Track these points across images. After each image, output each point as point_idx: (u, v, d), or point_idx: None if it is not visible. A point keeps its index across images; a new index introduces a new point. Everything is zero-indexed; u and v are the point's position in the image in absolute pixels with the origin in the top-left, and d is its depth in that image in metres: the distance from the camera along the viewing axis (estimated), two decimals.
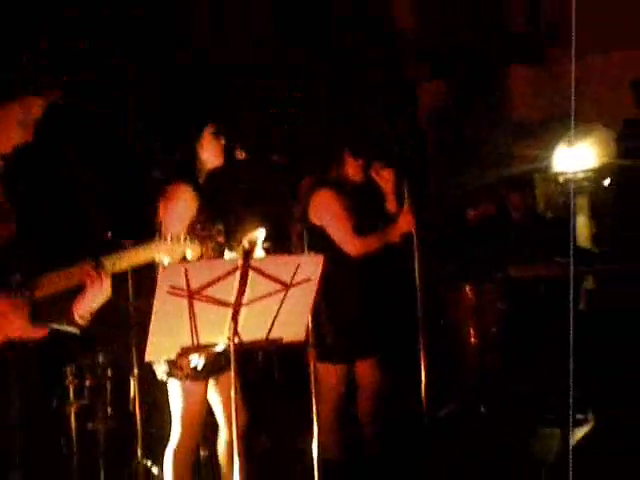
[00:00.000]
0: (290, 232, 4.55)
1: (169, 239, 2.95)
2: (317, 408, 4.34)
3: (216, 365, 3.69)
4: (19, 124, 2.73)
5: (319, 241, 4.32)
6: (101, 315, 4.67)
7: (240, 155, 3.75)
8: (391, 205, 4.62)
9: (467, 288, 5.84)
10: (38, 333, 2.71)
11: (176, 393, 3.76)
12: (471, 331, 5.83)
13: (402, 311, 4.84)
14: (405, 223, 4.48)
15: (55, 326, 2.82)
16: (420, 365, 4.58)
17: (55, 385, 4.73)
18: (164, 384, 3.82)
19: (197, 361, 3.61)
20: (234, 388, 3.17)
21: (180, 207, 3.64)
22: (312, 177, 4.57)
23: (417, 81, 8.53)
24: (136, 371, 4.56)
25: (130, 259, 2.86)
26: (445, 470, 4.49)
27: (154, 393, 4.08)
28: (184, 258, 3.03)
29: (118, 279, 4.33)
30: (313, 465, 3.77)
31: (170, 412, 3.85)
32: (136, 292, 4.51)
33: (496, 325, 5.80)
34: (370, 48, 7.46)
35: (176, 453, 3.78)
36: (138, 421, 4.61)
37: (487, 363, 5.81)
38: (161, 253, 2.91)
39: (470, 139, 8.21)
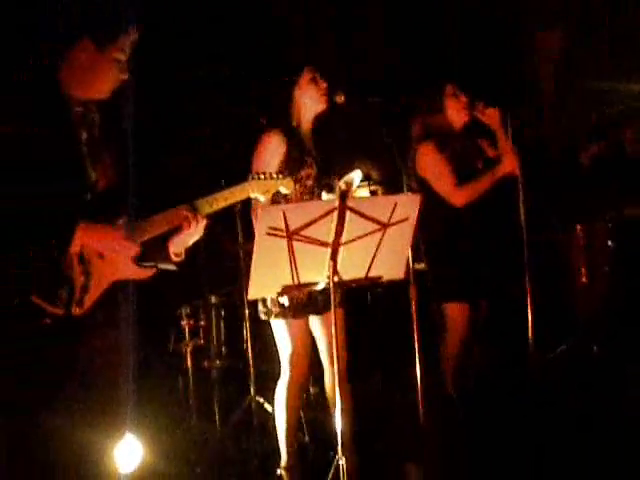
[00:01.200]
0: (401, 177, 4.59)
1: (262, 176, 3.05)
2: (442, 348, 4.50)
3: (314, 303, 3.78)
4: (117, 65, 2.81)
5: (428, 189, 4.41)
6: (213, 258, 4.89)
7: (339, 99, 3.79)
8: (501, 143, 4.56)
9: (578, 228, 5.75)
10: (147, 273, 2.83)
11: (280, 332, 3.88)
12: (583, 271, 5.75)
13: (511, 253, 4.80)
14: (508, 164, 4.44)
15: (155, 265, 2.95)
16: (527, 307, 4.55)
17: (171, 326, 4.96)
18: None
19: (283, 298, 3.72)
20: (334, 326, 3.27)
21: (266, 154, 3.74)
22: (418, 124, 4.58)
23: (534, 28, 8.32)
24: (247, 311, 4.71)
25: (226, 199, 2.95)
26: (550, 408, 4.48)
27: (265, 332, 4.20)
28: (277, 193, 3.13)
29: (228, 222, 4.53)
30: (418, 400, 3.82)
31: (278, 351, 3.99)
32: (246, 235, 4.64)
33: (607, 264, 5.70)
34: None
35: (287, 390, 3.91)
36: (250, 359, 4.78)
37: (599, 303, 5.73)
38: (255, 190, 3.02)
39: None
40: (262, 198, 3.08)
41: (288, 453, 3.94)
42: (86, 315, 2.69)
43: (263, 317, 3.90)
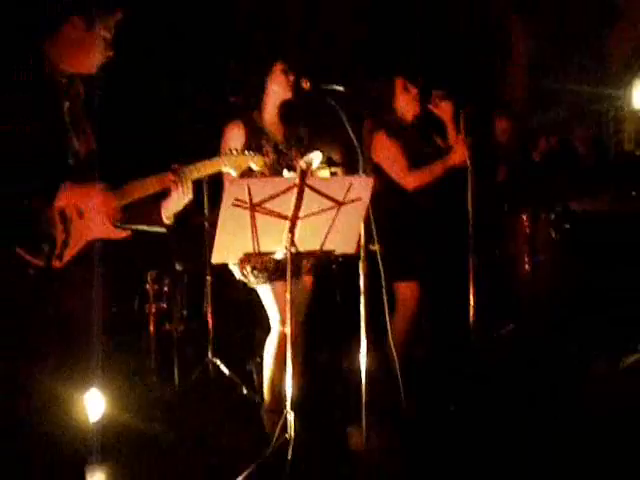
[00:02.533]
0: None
1: (234, 152, 3.37)
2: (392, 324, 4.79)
3: (276, 270, 4.08)
4: (104, 42, 3.05)
5: (382, 174, 4.76)
6: (180, 227, 5.16)
7: (305, 85, 4.09)
8: (451, 135, 4.88)
9: (524, 217, 6.08)
10: (121, 234, 3.09)
11: (264, 295, 4.20)
12: (525, 259, 6.09)
13: (458, 238, 5.08)
14: (459, 154, 4.75)
15: (144, 227, 3.24)
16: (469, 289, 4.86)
17: (137, 288, 5.24)
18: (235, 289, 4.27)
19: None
20: (289, 292, 3.59)
21: (230, 141, 4.09)
22: (371, 118, 4.89)
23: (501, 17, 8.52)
24: (209, 278, 5.02)
25: (199, 170, 3.24)
26: (488, 387, 4.74)
27: (223, 298, 4.49)
28: (249, 169, 3.45)
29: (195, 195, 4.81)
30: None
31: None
32: (211, 207, 4.93)
33: (548, 253, 6.04)
34: None
35: (276, 344, 4.21)
36: (210, 324, 5.09)
37: (539, 290, 6.06)
38: (227, 165, 3.35)
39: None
40: (233, 172, 3.39)
41: (271, 399, 4.26)
42: (64, 268, 2.94)
43: (252, 284, 4.20)
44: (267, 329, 4.53)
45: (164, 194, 3.16)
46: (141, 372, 5.15)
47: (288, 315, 3.64)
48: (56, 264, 2.91)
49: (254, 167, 3.46)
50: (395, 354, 4.60)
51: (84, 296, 3.09)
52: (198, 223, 5.13)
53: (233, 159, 3.37)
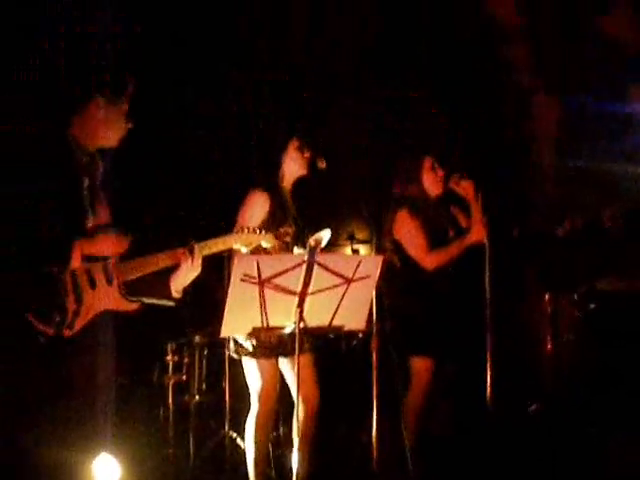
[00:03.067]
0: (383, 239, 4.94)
1: (246, 230, 3.47)
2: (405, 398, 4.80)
3: (283, 346, 4.14)
4: (123, 114, 3.22)
5: (402, 251, 4.82)
6: (199, 299, 5.24)
7: (321, 164, 4.20)
8: (474, 213, 4.92)
9: (546, 297, 6.06)
10: (131, 306, 3.19)
11: (250, 370, 4.26)
12: (548, 338, 6.05)
13: (476, 316, 5.09)
14: (476, 233, 4.80)
15: (152, 301, 3.33)
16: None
17: (157, 359, 5.31)
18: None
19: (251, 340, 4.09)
20: (297, 368, 3.64)
21: (250, 210, 4.20)
22: (397, 188, 4.97)
23: (528, 94, 8.55)
24: (227, 352, 5.06)
25: (215, 246, 3.38)
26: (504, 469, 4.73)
27: (241, 372, 4.52)
28: (259, 246, 3.54)
29: (214, 268, 4.90)
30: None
31: None
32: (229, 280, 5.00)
33: (572, 333, 6.01)
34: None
35: (255, 424, 4.27)
36: (227, 397, 5.13)
37: (562, 370, 6.02)
38: (239, 242, 3.45)
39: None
40: (244, 249, 3.50)
41: None
42: (75, 337, 3.03)
43: (235, 356, 4.27)
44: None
45: (172, 268, 3.25)
46: (158, 442, 5.18)
47: (297, 390, 3.67)
48: (66, 333, 2.99)
49: (265, 245, 3.56)
50: (406, 429, 4.62)
51: (92, 364, 3.17)
52: (218, 293, 5.20)
53: (245, 237, 3.48)
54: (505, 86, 7.92)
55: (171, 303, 3.35)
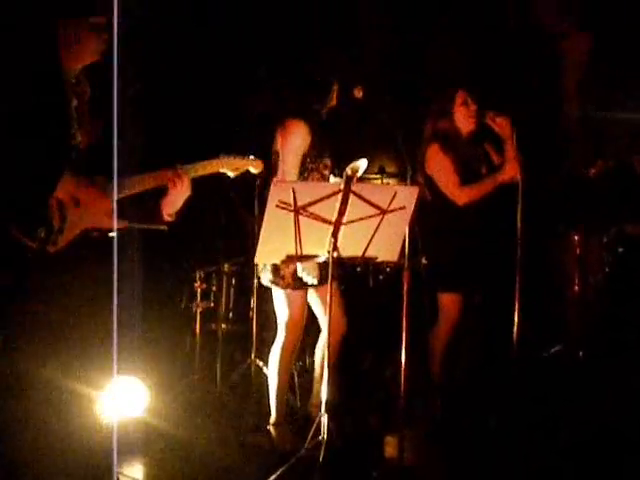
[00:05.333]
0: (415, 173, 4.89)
1: (232, 155, 3.42)
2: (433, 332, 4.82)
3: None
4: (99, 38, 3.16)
5: (434, 186, 4.79)
6: (230, 228, 5.25)
7: (358, 94, 4.13)
8: (508, 150, 4.82)
9: (575, 238, 6.02)
10: (117, 225, 3.13)
11: (280, 300, 4.26)
12: (575, 279, 6.03)
13: (506, 254, 5.08)
14: (510, 170, 4.74)
15: (142, 226, 3.34)
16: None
17: (186, 286, 5.34)
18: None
19: (303, 273, 4.06)
20: (330, 298, 3.64)
21: (296, 141, 4.09)
22: (430, 125, 4.91)
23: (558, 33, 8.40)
24: (256, 280, 5.08)
25: (202, 169, 3.32)
26: (528, 408, 4.71)
27: (269, 302, 4.54)
28: (248, 172, 3.49)
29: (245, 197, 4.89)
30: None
31: None
32: (261, 210, 4.99)
33: (601, 275, 5.99)
34: None
35: (281, 352, 4.29)
36: (254, 326, 5.16)
37: (588, 311, 6.00)
38: (224, 167, 3.39)
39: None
40: (231, 174, 3.42)
41: (277, 411, 4.32)
42: (58, 253, 3.02)
43: (266, 284, 4.27)
44: (312, 333, 4.59)
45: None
46: (185, 369, 5.23)
47: (327, 318, 3.68)
48: (50, 249, 2.99)
49: (253, 171, 3.48)
50: (432, 364, 4.64)
51: (78, 278, 3.16)
52: (248, 223, 5.20)
53: (231, 162, 3.41)
54: (535, 29, 7.81)
55: (163, 227, 3.34)
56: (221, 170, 3.39)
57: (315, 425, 3.71)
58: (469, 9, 7.13)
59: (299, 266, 3.98)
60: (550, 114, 7.81)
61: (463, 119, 4.84)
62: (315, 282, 4.06)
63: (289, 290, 4.18)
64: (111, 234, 3.16)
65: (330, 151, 4.21)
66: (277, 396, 4.32)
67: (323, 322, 4.34)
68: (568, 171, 6.93)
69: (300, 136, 4.10)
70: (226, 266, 5.28)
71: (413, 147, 4.86)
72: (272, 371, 4.33)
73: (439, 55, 6.82)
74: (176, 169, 3.21)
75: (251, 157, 3.43)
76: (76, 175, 3.04)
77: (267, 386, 4.39)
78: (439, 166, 4.78)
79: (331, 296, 3.67)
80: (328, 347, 3.82)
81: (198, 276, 5.17)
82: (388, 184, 5.85)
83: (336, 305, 4.17)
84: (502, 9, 7.36)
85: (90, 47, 3.17)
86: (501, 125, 4.85)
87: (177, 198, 3.24)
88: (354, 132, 4.60)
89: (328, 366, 3.71)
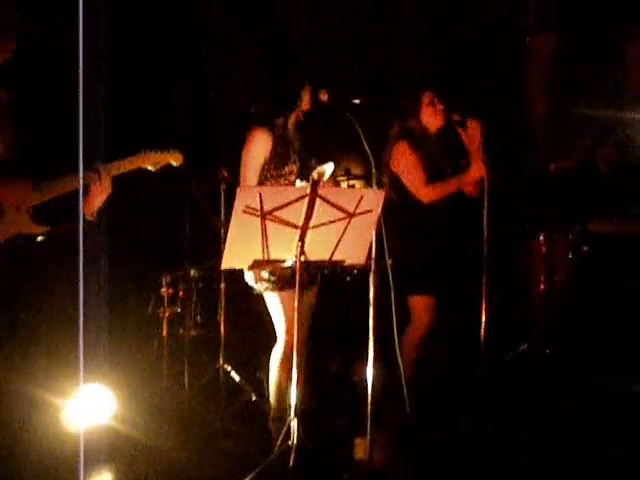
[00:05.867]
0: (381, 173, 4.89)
1: (152, 149, 3.45)
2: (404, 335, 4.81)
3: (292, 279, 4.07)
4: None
5: (399, 185, 4.79)
6: (196, 232, 5.22)
7: (323, 97, 4.12)
8: (476, 151, 4.83)
9: (541, 237, 6.06)
10: (39, 230, 3.18)
11: (271, 303, 4.22)
12: (542, 278, 6.07)
13: (472, 254, 5.10)
14: (476, 170, 4.78)
15: (62, 225, 3.33)
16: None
17: (152, 292, 5.30)
18: (248, 297, 4.31)
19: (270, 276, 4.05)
20: (297, 301, 3.63)
21: (254, 148, 4.10)
22: (397, 124, 4.92)
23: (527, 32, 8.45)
24: (223, 285, 5.07)
25: (123, 166, 3.37)
26: (496, 407, 4.77)
27: (237, 305, 4.53)
28: (170, 166, 3.53)
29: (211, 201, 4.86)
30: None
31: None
32: (227, 214, 4.98)
33: (566, 274, 6.03)
34: None
35: (282, 356, 4.24)
36: (222, 330, 5.14)
37: (554, 310, 6.05)
38: (146, 162, 3.44)
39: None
40: (152, 168, 3.47)
41: (277, 407, 4.29)
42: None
43: (258, 291, 4.23)
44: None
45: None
46: (152, 375, 5.19)
47: (295, 323, 3.67)
48: None
49: (174, 164, 3.52)
50: (402, 366, 4.64)
51: (42, 289, 3.17)
52: (215, 227, 5.18)
53: (152, 157, 3.45)
54: (503, 25, 7.85)
55: (87, 223, 3.35)
56: (142, 165, 3.43)
57: (285, 429, 3.70)
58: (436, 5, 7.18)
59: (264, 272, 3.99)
60: (515, 112, 7.89)
61: (430, 118, 4.85)
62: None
63: (280, 292, 4.15)
64: (39, 239, 3.16)
65: (297, 155, 4.20)
66: (277, 393, 4.30)
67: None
68: (532, 169, 7.00)
69: (259, 143, 4.10)
70: (192, 271, 5.24)
71: (378, 148, 4.88)
72: (273, 370, 4.29)
73: (403, 53, 6.84)
74: (96, 168, 3.24)
75: (171, 150, 3.46)
76: None
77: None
78: (406, 163, 4.78)
79: (299, 301, 3.66)
80: (296, 352, 3.80)
81: (165, 281, 5.13)
82: (354, 186, 5.86)
83: (310, 307, 4.20)
84: (470, 5, 7.39)
85: None
86: (471, 127, 4.87)
87: (98, 197, 3.28)
88: (320, 135, 4.56)
89: (297, 370, 3.70)
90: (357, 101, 4.14)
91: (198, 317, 5.38)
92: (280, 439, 3.72)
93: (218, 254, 5.03)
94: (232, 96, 5.97)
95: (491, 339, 4.86)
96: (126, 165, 3.38)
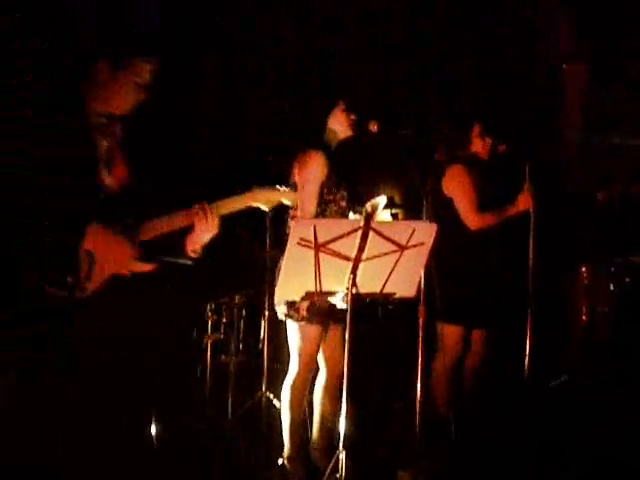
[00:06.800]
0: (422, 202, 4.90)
1: (265, 187, 3.36)
2: (434, 364, 4.80)
3: (330, 313, 4.10)
4: (134, 86, 3.10)
5: (447, 211, 4.79)
6: (241, 261, 5.25)
7: (372, 128, 4.15)
8: (525, 183, 4.86)
9: (583, 269, 6.04)
10: (146, 267, 3.12)
11: (293, 333, 4.25)
12: (583, 310, 6.04)
13: (516, 286, 5.09)
14: (523, 202, 4.79)
15: (169, 259, 3.31)
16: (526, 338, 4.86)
17: (197, 319, 5.32)
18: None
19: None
20: (349, 334, 3.63)
21: (313, 171, 4.12)
22: (443, 154, 4.93)
23: (560, 62, 8.47)
24: (267, 312, 5.08)
25: (232, 205, 3.27)
26: (538, 436, 4.76)
27: (280, 334, 4.53)
28: (281, 204, 3.45)
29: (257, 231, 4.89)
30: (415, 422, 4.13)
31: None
32: (272, 243, 5.01)
33: (607, 306, 5.99)
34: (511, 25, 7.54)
35: (292, 386, 4.28)
36: (265, 357, 5.14)
37: (596, 342, 6.01)
38: (257, 200, 3.33)
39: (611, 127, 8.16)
40: (265, 208, 3.37)
41: (291, 445, 4.30)
42: (87, 299, 3.00)
43: (281, 317, 4.26)
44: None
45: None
46: (195, 402, 5.21)
47: (346, 354, 3.67)
48: (78, 295, 2.97)
49: (286, 202, 3.44)
50: (436, 396, 4.62)
51: (108, 323, 3.15)
52: (259, 256, 5.21)
53: (264, 194, 3.34)
54: (537, 55, 7.88)
55: (189, 262, 3.32)
56: (254, 204, 3.33)
57: (333, 461, 3.69)
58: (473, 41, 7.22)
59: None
60: (552, 142, 7.88)
61: (479, 151, 4.87)
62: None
63: (303, 323, 4.17)
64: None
65: (345, 182, 4.22)
66: (290, 430, 4.30)
67: (323, 360, 4.38)
68: (573, 198, 6.97)
69: (318, 167, 4.12)
70: (237, 298, 5.26)
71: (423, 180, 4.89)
72: (285, 405, 4.32)
73: (446, 87, 6.88)
74: (204, 206, 3.19)
75: (283, 188, 3.40)
76: (103, 221, 3.01)
77: (279, 419, 4.38)
78: (461, 186, 4.78)
79: (350, 335, 3.65)
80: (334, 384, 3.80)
81: (209, 308, 5.16)
82: (397, 214, 5.86)
83: (339, 345, 4.20)
84: (506, 37, 7.43)
85: (121, 100, 3.16)
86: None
87: (203, 236, 3.20)
88: (366, 163, 4.60)
89: (339, 401, 3.69)
90: (406, 132, 4.12)
91: (241, 344, 5.39)
92: (328, 472, 3.70)
93: (261, 282, 5.10)
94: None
95: (534, 369, 4.85)
96: (236, 203, 3.28)
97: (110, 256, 3.03)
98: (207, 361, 5.21)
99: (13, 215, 2.85)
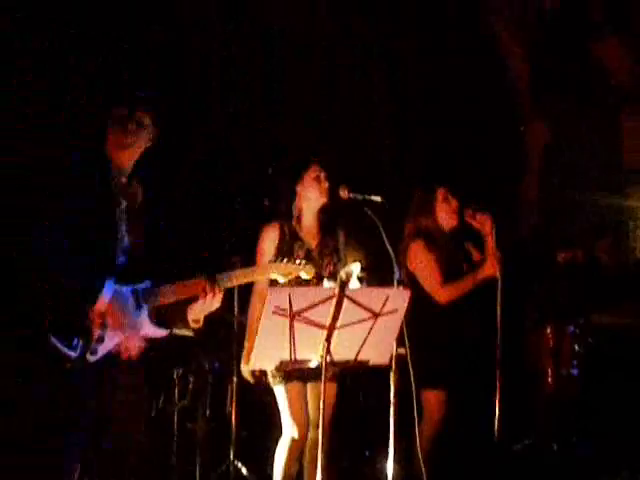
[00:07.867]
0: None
1: (285, 260, 3.40)
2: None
3: (311, 372, 4.03)
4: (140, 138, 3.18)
5: (414, 283, 4.79)
6: (209, 327, 5.19)
7: (343, 193, 4.15)
8: (489, 247, 4.86)
9: (548, 330, 6.07)
10: (159, 333, 3.16)
11: (280, 396, 4.21)
12: (549, 371, 6.05)
13: (483, 349, 5.09)
14: (490, 267, 4.78)
15: (175, 329, 3.27)
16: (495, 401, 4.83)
17: (162, 387, 5.24)
18: (260, 391, 4.28)
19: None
20: (323, 400, 3.59)
21: (265, 242, 4.23)
22: (411, 223, 4.95)
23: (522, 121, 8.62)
24: (235, 378, 5.02)
25: (246, 276, 3.32)
26: None
27: (248, 400, 4.48)
28: (298, 278, 3.49)
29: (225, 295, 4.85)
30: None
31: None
32: (240, 308, 4.97)
33: (573, 368, 6.02)
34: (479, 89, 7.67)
35: (288, 450, 4.22)
36: (233, 424, 5.07)
37: (562, 404, 6.02)
38: (276, 272, 3.38)
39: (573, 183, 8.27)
40: (282, 280, 3.43)
41: None
42: (98, 362, 3.00)
43: (270, 384, 4.22)
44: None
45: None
46: (162, 470, 5.10)
47: (320, 419, 3.62)
48: (89, 358, 2.94)
49: (304, 276, 3.48)
50: (421, 457, 4.57)
51: (119, 387, 3.11)
52: (227, 321, 5.16)
53: (284, 267, 3.40)
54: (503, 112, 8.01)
55: (190, 333, 3.29)
56: (272, 276, 3.39)
57: None
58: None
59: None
60: (511, 198, 8.00)
61: (445, 216, 4.89)
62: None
63: (287, 385, 4.15)
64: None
65: (306, 251, 4.25)
66: None
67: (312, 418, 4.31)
68: (534, 257, 7.04)
69: (268, 239, 4.22)
70: (206, 364, 5.19)
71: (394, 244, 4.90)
72: (278, 465, 4.24)
73: (416, 151, 6.96)
74: (212, 280, 3.17)
75: (303, 262, 3.41)
76: (119, 281, 3.01)
77: None
78: (423, 264, 4.80)
79: (324, 400, 3.61)
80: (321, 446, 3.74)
81: (175, 374, 5.08)
82: (362, 279, 5.84)
83: (329, 404, 4.17)
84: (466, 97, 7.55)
85: (125, 150, 3.15)
86: (481, 222, 4.89)
87: (206, 307, 3.20)
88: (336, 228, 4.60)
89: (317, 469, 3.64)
90: (377, 198, 4.13)
91: (208, 411, 5.31)
92: None
93: (229, 347, 5.04)
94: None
95: (501, 432, 4.83)
96: (247, 276, 3.32)
97: (125, 316, 3.03)
98: (174, 429, 5.11)
99: (30, 268, 2.84)
